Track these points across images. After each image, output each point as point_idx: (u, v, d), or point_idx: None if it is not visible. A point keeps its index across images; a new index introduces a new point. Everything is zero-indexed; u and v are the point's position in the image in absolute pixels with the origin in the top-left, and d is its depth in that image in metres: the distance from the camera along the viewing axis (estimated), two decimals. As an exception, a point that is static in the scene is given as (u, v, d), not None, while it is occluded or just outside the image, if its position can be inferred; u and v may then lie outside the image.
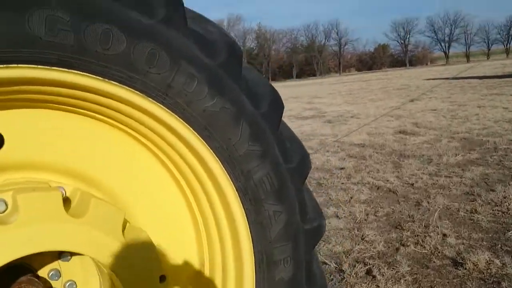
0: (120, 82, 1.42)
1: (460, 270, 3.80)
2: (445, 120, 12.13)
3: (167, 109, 1.51)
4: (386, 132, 10.91)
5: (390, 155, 8.31)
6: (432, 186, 6.22)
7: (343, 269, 3.93)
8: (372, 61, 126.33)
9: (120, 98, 1.44)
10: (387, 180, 6.65)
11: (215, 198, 1.71)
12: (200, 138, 1.58)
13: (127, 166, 1.67)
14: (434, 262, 3.99)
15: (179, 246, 1.78)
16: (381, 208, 5.48)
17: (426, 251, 4.21)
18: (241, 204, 1.69)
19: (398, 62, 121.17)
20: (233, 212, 1.70)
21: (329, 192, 6.32)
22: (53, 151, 1.53)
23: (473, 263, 3.84)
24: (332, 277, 3.84)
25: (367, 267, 3.95)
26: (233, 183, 1.66)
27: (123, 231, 1.47)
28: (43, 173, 1.53)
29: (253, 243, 1.73)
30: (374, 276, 3.78)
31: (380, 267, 3.91)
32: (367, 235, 4.64)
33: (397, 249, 4.31)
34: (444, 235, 4.52)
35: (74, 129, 1.55)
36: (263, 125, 1.69)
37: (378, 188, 6.34)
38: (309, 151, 9.08)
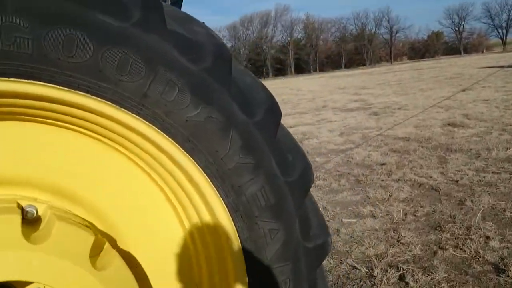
0: (88, 92, 1.30)
1: (501, 277, 3.52)
2: (498, 111, 11.52)
3: (144, 120, 1.38)
4: (433, 125, 10.47)
5: (435, 150, 7.94)
6: (478, 183, 5.87)
7: (374, 274, 3.72)
8: (425, 49, 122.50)
9: (90, 109, 1.33)
10: (430, 177, 6.34)
11: (206, 215, 1.57)
12: (184, 151, 1.45)
13: (111, 180, 1.55)
14: (474, 267, 3.72)
15: (166, 266, 1.65)
16: (421, 207, 5.20)
17: (466, 255, 3.95)
18: (232, 222, 1.55)
19: (452, 49, 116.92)
20: (225, 230, 1.56)
21: (367, 189, 6.07)
22: (27, 164, 1.43)
23: (517, 270, 3.56)
24: (361, 283, 3.65)
25: (400, 272, 3.73)
26: (222, 199, 1.52)
27: (97, 255, 1.35)
28: (16, 188, 1.44)
29: (246, 263, 1.59)
30: (407, 283, 3.56)
31: (414, 273, 3.68)
32: (404, 237, 4.40)
33: (435, 252, 4.05)
34: (487, 237, 4.23)
35: (49, 141, 1.45)
36: (256, 135, 1.53)
37: (420, 186, 6.04)
38: (351, 145, 8.85)
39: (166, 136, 1.42)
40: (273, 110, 1.63)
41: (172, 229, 1.64)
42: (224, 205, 1.52)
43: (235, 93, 1.51)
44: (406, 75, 36.12)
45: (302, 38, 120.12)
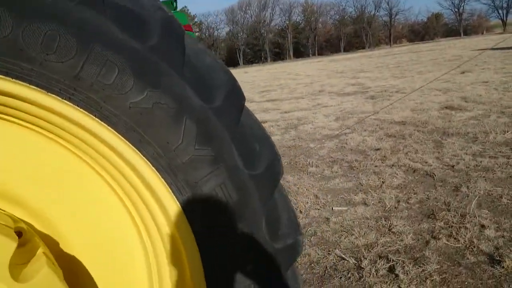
0: (7, 74, 1.11)
1: (496, 269, 3.36)
2: (497, 93, 11.28)
3: (77, 107, 1.19)
4: (431, 108, 10.25)
5: (432, 134, 7.75)
6: (474, 168, 5.69)
7: (363, 266, 3.56)
8: (424, 31, 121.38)
9: (11, 94, 1.14)
10: (425, 162, 6.16)
11: (158, 215, 1.39)
12: (128, 142, 1.26)
13: (49, 174, 1.37)
14: (468, 258, 3.56)
15: (116, 270, 1.48)
16: (414, 194, 5.03)
17: (459, 245, 3.78)
18: (188, 222, 1.37)
19: (452, 31, 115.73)
20: (180, 232, 1.38)
21: (360, 176, 5.90)
22: None
23: (513, 261, 3.40)
24: (349, 275, 3.48)
25: (390, 263, 3.56)
26: (175, 196, 1.34)
27: (25, 264, 1.17)
28: None
29: (204, 267, 1.42)
30: (396, 275, 3.39)
31: (405, 264, 3.52)
32: (395, 225, 4.23)
33: (427, 242, 3.89)
34: (482, 226, 4.06)
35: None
36: (215, 123, 1.35)
37: (414, 171, 5.86)
38: (346, 130, 8.65)
39: (106, 126, 1.23)
40: (235, 94, 1.44)
41: (123, 229, 1.46)
42: (178, 203, 1.34)
43: (189, 75, 1.32)
44: (405, 57, 35.74)
45: (300, 22, 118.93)
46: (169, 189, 1.32)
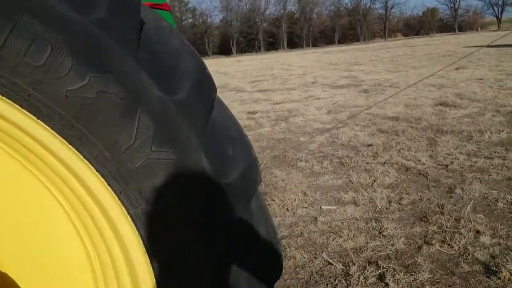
0: None
1: (492, 279, 3.14)
2: (491, 91, 11.09)
3: (-2, 95, 0.93)
4: (425, 104, 10.04)
5: (425, 131, 7.52)
6: (469, 169, 5.46)
7: (351, 272, 3.32)
8: (419, 25, 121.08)
9: None
10: (419, 161, 5.93)
11: (107, 231, 1.13)
12: (65, 141, 1.00)
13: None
14: (462, 267, 3.33)
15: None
16: (407, 194, 4.80)
17: (453, 251, 3.55)
18: (141, 241, 1.11)
19: (447, 27, 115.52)
20: (131, 250, 1.13)
21: (350, 173, 5.65)
22: None
23: (510, 272, 3.17)
24: (336, 281, 3.24)
25: (379, 270, 3.33)
26: (126, 209, 1.08)
27: None
28: None
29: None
30: (386, 284, 3.16)
31: (396, 272, 3.28)
32: (386, 228, 4.00)
33: (419, 247, 3.66)
34: (477, 232, 3.83)
35: None
36: (178, 120, 1.09)
37: (406, 170, 5.63)
38: (337, 124, 8.41)
39: (35, 119, 0.97)
40: (204, 84, 1.18)
41: (64, 244, 1.21)
42: (129, 217, 1.09)
43: (146, 59, 1.06)
44: (399, 51, 35.53)
45: (295, 12, 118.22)
46: (118, 199, 1.07)
